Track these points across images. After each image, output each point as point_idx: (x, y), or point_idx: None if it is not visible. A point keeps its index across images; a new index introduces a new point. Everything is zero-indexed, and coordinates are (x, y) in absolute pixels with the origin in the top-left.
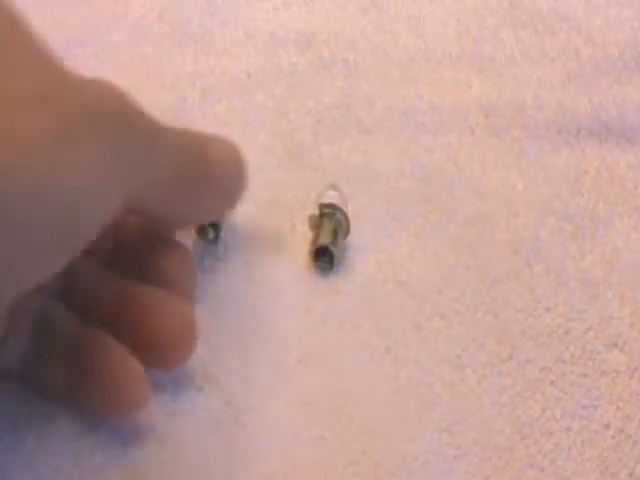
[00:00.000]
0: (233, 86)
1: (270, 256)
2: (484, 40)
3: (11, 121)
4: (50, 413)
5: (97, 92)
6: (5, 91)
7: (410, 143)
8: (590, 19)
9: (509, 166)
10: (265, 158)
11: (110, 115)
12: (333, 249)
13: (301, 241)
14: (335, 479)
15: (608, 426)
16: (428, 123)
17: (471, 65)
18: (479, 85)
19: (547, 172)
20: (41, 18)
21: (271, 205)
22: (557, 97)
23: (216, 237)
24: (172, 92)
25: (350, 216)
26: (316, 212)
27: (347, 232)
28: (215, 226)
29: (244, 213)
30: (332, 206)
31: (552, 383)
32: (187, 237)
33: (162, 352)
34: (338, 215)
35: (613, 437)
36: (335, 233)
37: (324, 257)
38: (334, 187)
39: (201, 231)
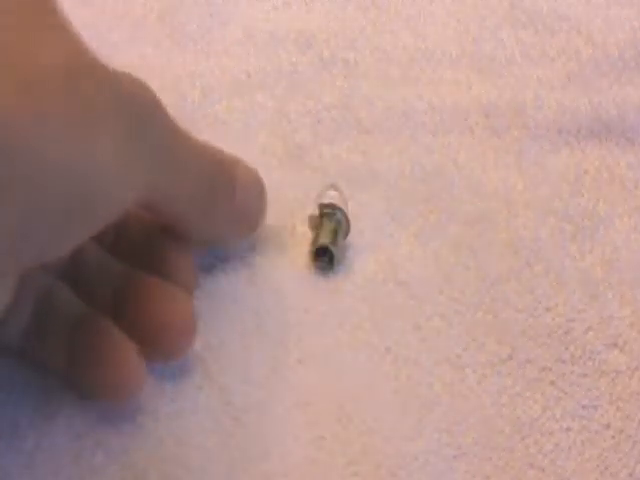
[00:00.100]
0: (233, 86)
1: (270, 256)
2: (484, 40)
3: (28, 102)
4: (50, 413)
5: (128, 84)
6: (22, 70)
7: (410, 143)
8: (590, 19)
9: (509, 166)
10: (265, 158)
11: (136, 109)
12: (333, 249)
13: (301, 241)
14: (335, 479)
15: (608, 426)
16: (428, 123)
17: (471, 65)
18: (479, 85)
19: (547, 172)
20: None
21: (271, 205)
22: (557, 97)
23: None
24: (172, 92)
25: (350, 216)
26: (316, 212)
27: (347, 232)
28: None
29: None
30: (332, 206)
31: (552, 383)
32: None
33: (161, 341)
34: (338, 215)
35: (613, 437)
36: (335, 233)
37: (324, 257)
38: (334, 187)
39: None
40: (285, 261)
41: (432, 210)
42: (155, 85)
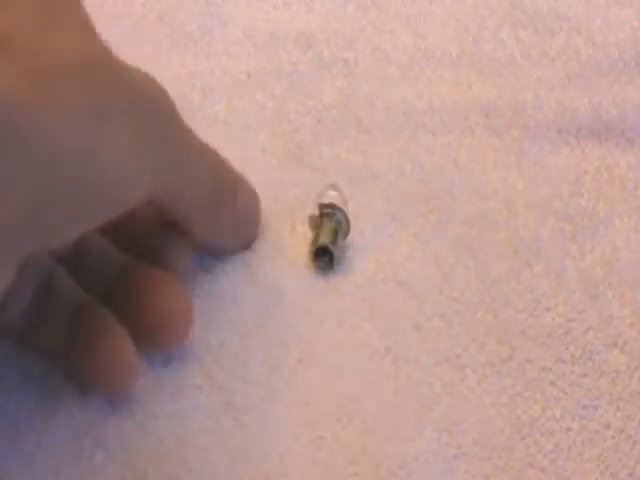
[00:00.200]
0: (233, 86)
1: (270, 256)
2: (484, 40)
3: (41, 89)
4: (50, 413)
5: (141, 81)
6: (37, 58)
7: (410, 143)
8: (590, 19)
9: (509, 166)
10: (265, 158)
11: (149, 106)
12: (333, 249)
13: (301, 241)
14: (335, 479)
15: (608, 426)
16: (428, 123)
17: (471, 65)
18: (479, 85)
19: (547, 172)
20: None
21: (271, 205)
22: (557, 97)
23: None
24: (172, 92)
25: (350, 216)
26: (316, 212)
27: (347, 232)
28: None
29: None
30: (332, 206)
31: (552, 383)
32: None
33: (158, 333)
34: (338, 215)
35: (613, 437)
36: (335, 233)
37: (324, 257)
38: (334, 187)
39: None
40: (285, 261)
41: (432, 210)
42: None
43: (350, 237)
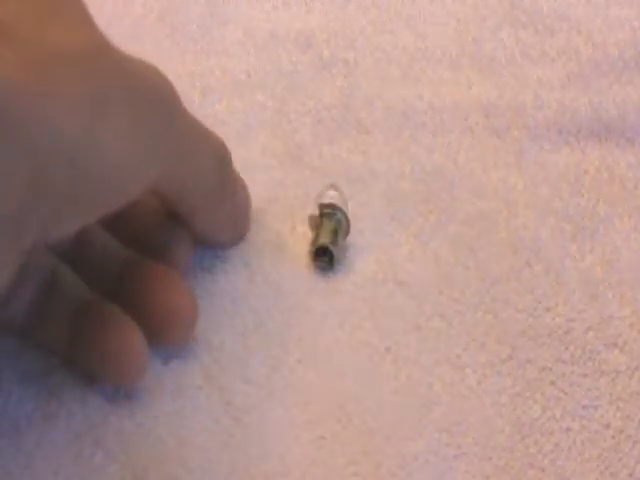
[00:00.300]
0: (233, 86)
1: (270, 256)
2: (484, 40)
3: (42, 76)
4: (50, 413)
5: (143, 71)
6: (40, 47)
7: (410, 143)
8: (590, 19)
9: (509, 166)
10: (265, 158)
11: (152, 96)
12: (333, 249)
13: (301, 241)
14: (335, 479)
15: (608, 426)
16: (428, 123)
17: (471, 65)
18: (479, 85)
19: (547, 172)
20: None
21: (271, 205)
22: (557, 97)
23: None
24: None
25: (350, 216)
26: (316, 212)
27: (347, 232)
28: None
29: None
30: (332, 206)
31: (552, 383)
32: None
33: (164, 328)
34: (338, 215)
35: (613, 437)
36: (335, 233)
37: (324, 257)
38: (334, 187)
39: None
40: (285, 261)
41: (432, 210)
42: None
43: (350, 237)
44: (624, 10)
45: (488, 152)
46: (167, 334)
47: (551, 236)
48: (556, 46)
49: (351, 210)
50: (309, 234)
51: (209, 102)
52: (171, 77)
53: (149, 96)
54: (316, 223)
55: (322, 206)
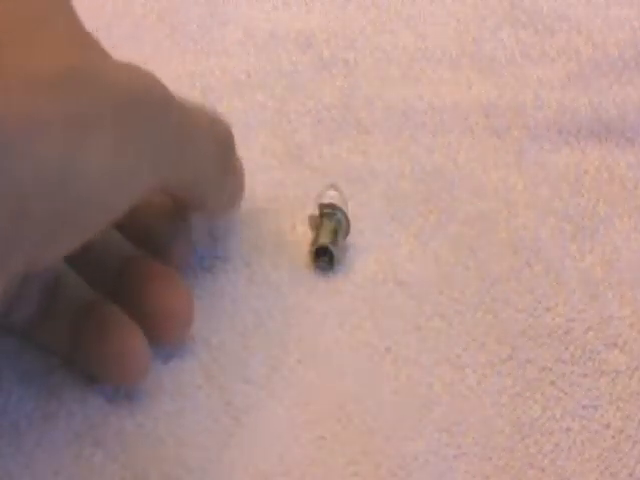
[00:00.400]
0: (233, 86)
1: (270, 256)
2: (484, 40)
3: (24, 104)
4: (50, 413)
5: (127, 78)
6: (22, 73)
7: (410, 143)
8: (590, 19)
9: (509, 166)
10: (265, 158)
11: (143, 108)
12: (333, 249)
13: (301, 241)
14: (335, 479)
15: (608, 426)
16: (428, 123)
17: (471, 65)
18: (479, 85)
19: (547, 172)
20: None
21: (271, 205)
22: (557, 97)
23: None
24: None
25: (350, 216)
26: (316, 212)
27: (347, 232)
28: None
29: (244, 213)
30: (332, 206)
31: (552, 383)
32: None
33: (160, 326)
34: (338, 215)
35: (613, 437)
36: (335, 233)
37: (324, 257)
38: (334, 187)
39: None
40: (285, 261)
41: (432, 210)
42: None
43: (350, 237)
44: (624, 10)
45: (488, 152)
46: (163, 334)
47: (551, 236)
48: (556, 46)
49: (351, 210)
50: (309, 234)
51: (209, 102)
52: (171, 77)
53: (136, 107)
54: (316, 223)
55: (322, 206)
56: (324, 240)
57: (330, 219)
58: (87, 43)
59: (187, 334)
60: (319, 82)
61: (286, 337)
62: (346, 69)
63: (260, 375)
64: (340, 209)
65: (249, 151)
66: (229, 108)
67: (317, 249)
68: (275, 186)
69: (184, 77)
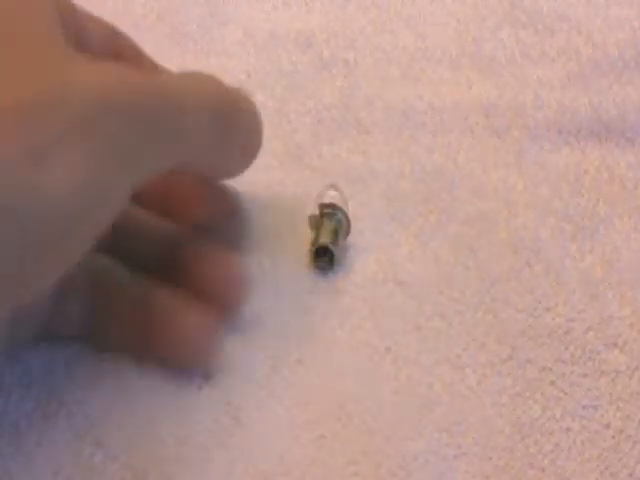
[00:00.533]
0: (233, 86)
1: (270, 256)
2: (484, 40)
3: None
4: (50, 413)
5: (98, 83)
6: None
7: (410, 143)
8: (590, 19)
9: (509, 166)
10: (265, 158)
11: (109, 108)
12: (333, 249)
13: (301, 241)
14: (335, 479)
15: (608, 426)
16: (428, 123)
17: (471, 65)
18: (479, 85)
19: (547, 172)
20: None
21: (271, 205)
22: (557, 97)
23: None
24: None
25: (350, 216)
26: (316, 212)
27: (347, 232)
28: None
29: (244, 212)
30: (332, 206)
31: (552, 383)
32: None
33: (213, 301)
34: (338, 215)
35: (613, 437)
36: (335, 233)
37: (324, 257)
38: (334, 187)
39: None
40: (285, 261)
41: (432, 210)
42: None
43: (350, 237)
44: (624, 10)
45: (488, 152)
46: (227, 302)
47: (551, 236)
48: (556, 46)
49: (351, 210)
50: (309, 234)
51: None
52: None
53: (107, 116)
54: (316, 223)
55: (322, 206)
56: (324, 240)
57: (330, 219)
58: (55, 57)
59: (239, 307)
60: (319, 82)
61: (286, 337)
62: (346, 69)
63: (260, 375)
64: (340, 209)
65: None
66: None
67: (317, 249)
68: (275, 186)
69: None
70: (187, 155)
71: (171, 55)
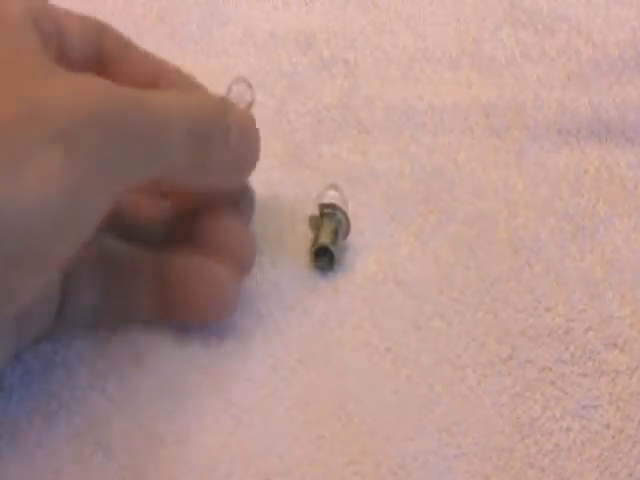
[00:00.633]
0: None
1: (270, 256)
2: (484, 40)
3: None
4: (50, 413)
5: (77, 99)
6: None
7: (410, 143)
8: (590, 19)
9: (509, 166)
10: (265, 158)
11: (81, 128)
12: (333, 249)
13: (301, 241)
14: (335, 479)
15: (608, 426)
16: (428, 123)
17: (471, 65)
18: (479, 85)
19: (547, 172)
20: None
21: (271, 205)
22: (557, 97)
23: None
24: None
25: (350, 216)
26: (316, 212)
27: (347, 232)
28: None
29: None
30: (332, 206)
31: (552, 383)
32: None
33: (227, 262)
34: (338, 215)
35: (613, 437)
36: (335, 233)
37: (324, 257)
38: (334, 187)
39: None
40: (285, 261)
41: (432, 210)
42: None
43: (350, 237)
44: (624, 10)
45: (488, 152)
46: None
47: (551, 236)
48: (556, 46)
49: (351, 210)
50: (309, 234)
51: None
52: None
53: (83, 131)
54: (316, 223)
55: (322, 206)
56: (324, 240)
57: (330, 219)
58: (30, 73)
59: (250, 269)
60: (319, 82)
61: (286, 337)
62: (346, 69)
63: (260, 374)
64: (340, 209)
65: None
66: None
67: (317, 249)
68: (275, 186)
69: None
70: (168, 169)
71: (171, 55)
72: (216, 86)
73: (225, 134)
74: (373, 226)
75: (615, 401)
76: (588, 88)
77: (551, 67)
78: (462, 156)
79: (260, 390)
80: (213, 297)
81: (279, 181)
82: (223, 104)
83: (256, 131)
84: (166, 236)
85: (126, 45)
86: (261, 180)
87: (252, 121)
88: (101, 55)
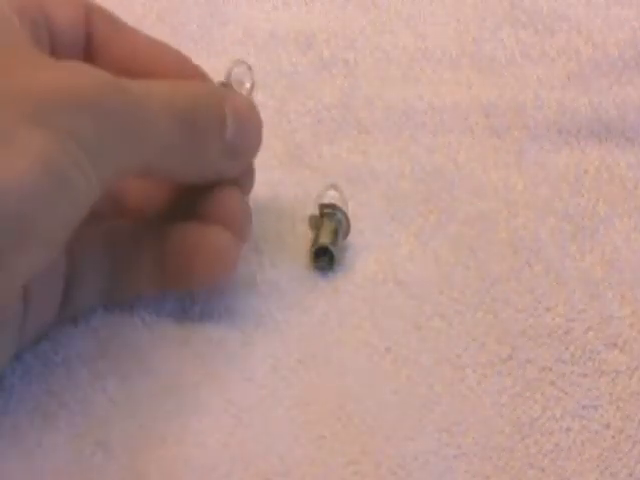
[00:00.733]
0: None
1: (270, 256)
2: (484, 40)
3: None
4: (50, 413)
5: (58, 85)
6: None
7: (410, 143)
8: (590, 19)
9: (509, 166)
10: (265, 158)
11: (74, 102)
12: (333, 249)
13: (301, 241)
14: (335, 479)
15: (608, 426)
16: (428, 123)
17: (471, 65)
18: (479, 85)
19: (547, 172)
20: None
21: (271, 205)
22: (557, 97)
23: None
24: None
25: (350, 216)
26: (316, 212)
27: (347, 232)
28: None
29: None
30: (332, 206)
31: (552, 383)
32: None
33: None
34: (338, 215)
35: (613, 437)
36: (335, 233)
37: (324, 257)
38: (334, 187)
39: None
40: (285, 261)
41: (432, 210)
42: None
43: (350, 237)
44: (624, 10)
45: (488, 152)
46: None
47: (551, 236)
48: (556, 46)
49: (351, 210)
50: (309, 234)
51: None
52: None
53: (63, 112)
54: (316, 223)
55: (322, 206)
56: (324, 240)
57: (330, 219)
58: (15, 64)
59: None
60: (319, 82)
61: (286, 337)
62: (346, 69)
63: (260, 374)
64: (340, 209)
65: None
66: None
67: (317, 249)
68: (275, 186)
69: None
70: (158, 156)
71: None
72: None
73: (220, 123)
74: (373, 226)
75: (615, 401)
76: (588, 88)
77: (551, 67)
78: (462, 156)
79: (260, 390)
80: (214, 262)
81: (279, 181)
82: (220, 93)
83: (257, 119)
84: (167, 210)
85: (116, 25)
86: (261, 180)
87: (252, 109)
88: (91, 37)
